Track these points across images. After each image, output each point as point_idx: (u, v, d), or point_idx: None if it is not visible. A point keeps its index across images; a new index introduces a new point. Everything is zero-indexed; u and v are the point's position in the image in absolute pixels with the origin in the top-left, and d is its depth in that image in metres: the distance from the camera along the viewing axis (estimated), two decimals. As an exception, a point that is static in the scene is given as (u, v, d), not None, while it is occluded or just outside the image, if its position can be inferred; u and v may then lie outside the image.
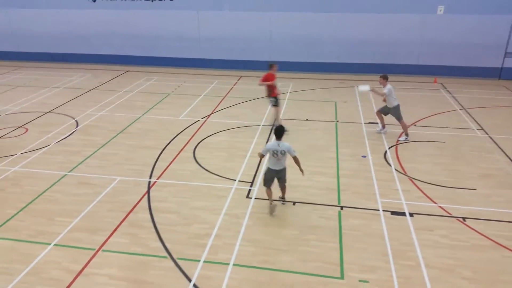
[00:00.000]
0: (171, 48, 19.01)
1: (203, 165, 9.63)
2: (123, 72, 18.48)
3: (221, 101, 14.32)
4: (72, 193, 8.49)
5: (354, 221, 7.48)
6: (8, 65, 19.58)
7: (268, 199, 7.68)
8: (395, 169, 9.40)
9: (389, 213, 7.72)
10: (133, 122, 12.37)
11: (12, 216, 7.70)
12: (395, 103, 10.86)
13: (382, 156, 10.08)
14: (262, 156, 7.50)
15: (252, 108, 13.61)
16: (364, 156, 10.03)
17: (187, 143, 10.87)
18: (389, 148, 10.52)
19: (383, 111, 11.24)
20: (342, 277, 6.14)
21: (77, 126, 12.04)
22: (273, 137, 7.59)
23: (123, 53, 19.52)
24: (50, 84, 16.33)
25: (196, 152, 10.34)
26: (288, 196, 8.18)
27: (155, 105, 13.93)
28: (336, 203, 8.07)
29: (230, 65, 18.69)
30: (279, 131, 7.31)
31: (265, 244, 6.85)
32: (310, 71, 18.17)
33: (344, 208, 7.90)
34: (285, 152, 7.27)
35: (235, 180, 8.92)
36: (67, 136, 11.32)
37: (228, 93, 15.30)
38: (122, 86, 16.17)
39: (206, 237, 7.08)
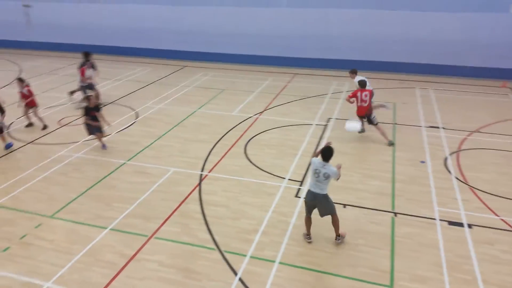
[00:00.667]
0: (227, 44, 19.27)
1: (253, 162, 9.68)
2: (181, 67, 19.02)
3: (275, 98, 14.31)
4: (129, 181, 8.87)
5: (407, 229, 7.18)
6: (75, 57, 20.83)
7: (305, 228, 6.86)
8: (456, 177, 8.89)
9: (446, 223, 7.33)
10: (189, 116, 12.70)
11: (73, 199, 8.20)
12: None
13: (442, 162, 9.57)
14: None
15: (305, 106, 13.48)
16: (423, 162, 9.58)
17: (239, 138, 10.97)
18: (450, 154, 9.97)
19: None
20: (391, 285, 5.92)
21: (137, 118, 12.56)
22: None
23: (182, 48, 20.08)
24: (112, 76, 17.17)
25: (247, 148, 10.42)
26: (339, 198, 8.01)
27: (210, 100, 14.21)
28: (390, 209, 7.78)
29: (285, 62, 18.62)
30: (327, 153, 6.34)
31: (312, 245, 6.76)
32: (369, 70, 17.63)
33: (398, 215, 7.60)
34: (328, 175, 6.30)
35: (284, 178, 8.88)
36: (127, 127, 11.85)
37: (281, 90, 15.26)
38: (179, 81, 16.65)
39: (253, 233, 7.11)
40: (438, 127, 11.53)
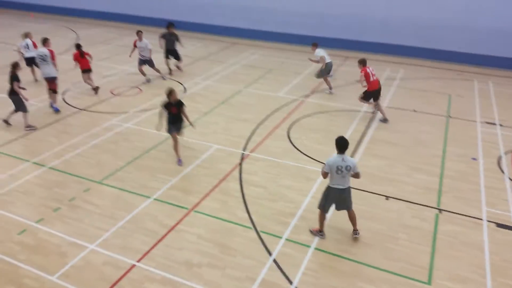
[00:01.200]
0: (278, 22, 18.99)
1: (296, 145, 9.61)
2: (231, 44, 19.02)
3: (323, 81, 14.02)
4: (174, 154, 9.09)
5: (452, 227, 6.90)
6: (125, 27, 21.36)
7: (319, 226, 6.58)
8: (509, 178, 8.40)
9: (494, 224, 6.97)
10: (235, 94, 12.75)
11: (121, 168, 8.54)
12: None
13: (495, 161, 9.06)
14: (326, 175, 6.18)
15: (354, 92, 13.09)
16: (474, 159, 9.11)
17: (283, 120, 10.90)
18: (505, 153, 9.40)
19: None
20: (429, 283, 5.75)
21: (184, 92, 12.78)
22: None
23: (233, 25, 20.04)
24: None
25: (290, 130, 10.34)
26: (382, 189, 7.82)
27: (257, 79, 14.16)
28: (435, 205, 7.50)
29: (338, 44, 18.10)
30: (343, 144, 6.07)
31: (349, 234, 6.67)
32: (426, 58, 16.82)
33: (442, 212, 7.31)
34: (350, 167, 6.07)
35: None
36: (174, 101, 12.07)
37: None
38: (228, 58, 16.69)
39: (290, 216, 7.11)
40: (494, 124, 10.87)
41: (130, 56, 14.03)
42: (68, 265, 5.98)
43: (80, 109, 11.32)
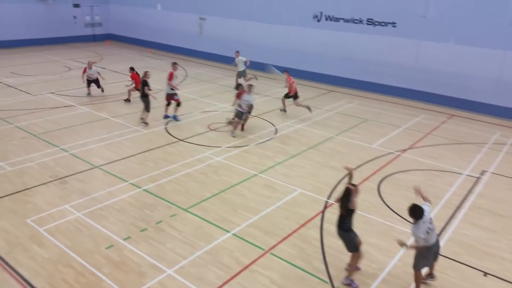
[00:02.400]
0: (379, 74, 18.69)
1: (386, 201, 9.07)
2: (328, 91, 19.10)
3: (423, 137, 13.26)
4: (257, 192, 9.16)
5: None
6: (235, 70, 22.68)
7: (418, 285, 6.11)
8: None
9: None
10: (325, 140, 12.61)
11: (206, 198, 8.81)
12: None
13: None
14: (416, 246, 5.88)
15: (457, 152, 12.15)
16: None
17: (374, 173, 10.43)
18: None
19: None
20: None
21: (275, 134, 12.99)
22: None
23: (331, 73, 20.19)
24: (263, 92, 18.13)
25: (381, 185, 9.82)
26: (480, 264, 6.94)
27: (350, 128, 13.89)
28: (545, 293, 6.42)
29: (442, 101, 17.16)
30: (420, 212, 5.83)
31: (437, 309, 5.94)
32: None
33: (555, 303, 6.21)
34: (432, 219, 5.97)
35: (418, 226, 8.07)
36: (265, 141, 12.33)
37: (433, 130, 14.06)
38: (323, 104, 16.72)
39: (372, 277, 6.60)
40: None
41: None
42: (145, 286, 6.19)
43: (179, 139, 12.08)
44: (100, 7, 29.80)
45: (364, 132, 13.51)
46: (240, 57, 18.07)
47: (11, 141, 11.33)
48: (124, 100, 15.47)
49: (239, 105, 12.54)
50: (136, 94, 14.23)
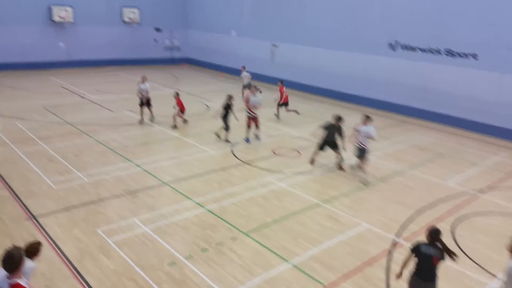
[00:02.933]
0: (457, 107, 17.64)
1: (460, 245, 8.35)
2: (399, 122, 18.38)
3: (504, 178, 12.17)
4: (320, 223, 8.90)
5: None
6: (304, 96, 22.69)
7: None
8: None
9: None
10: (396, 174, 12.03)
11: (267, 224, 8.72)
12: None
13: None
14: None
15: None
16: None
17: (448, 214, 9.70)
18: None
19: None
20: None
21: (342, 161, 12.65)
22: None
23: (404, 103, 19.45)
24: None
25: (456, 227, 9.09)
26: None
27: (423, 162, 13.15)
28: None
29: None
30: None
31: None
32: None
33: None
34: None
35: (495, 276, 7.31)
36: (331, 170, 12.04)
37: (515, 171, 12.90)
38: (394, 135, 16.07)
39: (442, 328, 6.03)
40: None
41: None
42: (201, 308, 6.18)
43: (244, 162, 12.21)
44: (179, 32, 31.65)
45: (438, 168, 12.71)
46: (245, 73, 20.49)
47: (91, 154, 12.18)
48: (172, 126, 15.23)
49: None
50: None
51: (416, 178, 11.79)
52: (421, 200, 10.31)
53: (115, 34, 28.50)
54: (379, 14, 19.95)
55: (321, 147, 11.89)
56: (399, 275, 5.83)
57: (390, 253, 7.92)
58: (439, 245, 5.49)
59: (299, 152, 13.43)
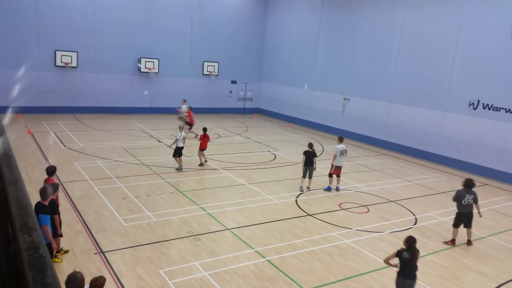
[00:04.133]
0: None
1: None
2: (481, 184, 17.00)
3: None
4: (388, 287, 8.25)
5: None
6: (375, 150, 22.08)
7: None
8: None
9: None
10: (474, 240, 10.96)
11: (330, 283, 8.27)
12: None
13: None
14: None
15: None
16: None
17: (539, 290, 8.52)
18: None
19: None
20: None
21: (415, 223, 11.86)
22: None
23: (487, 164, 18.06)
24: (403, 176, 17.08)
25: (549, 307, 7.93)
26: None
27: (507, 230, 11.87)
28: None
29: None
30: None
31: None
32: None
33: None
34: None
35: None
36: (402, 230, 11.30)
37: None
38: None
39: None
40: None
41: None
42: None
43: (308, 214, 11.93)
44: (253, 84, 32.98)
45: (525, 237, 11.39)
46: (184, 106, 23.06)
47: (161, 195, 12.70)
48: (199, 165, 16.23)
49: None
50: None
51: (498, 246, 10.65)
52: (504, 271, 9.21)
53: (193, 84, 30.41)
54: (457, 70, 19.26)
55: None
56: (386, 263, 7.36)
57: (467, 329, 7.05)
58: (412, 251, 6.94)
59: (368, 208, 12.85)
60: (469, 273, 9.10)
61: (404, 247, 7.06)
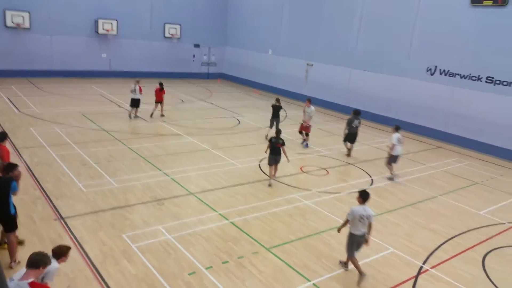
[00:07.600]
0: (498, 136, 16.97)
1: (490, 276, 7.93)
2: (435, 147, 17.86)
3: None
4: (344, 243, 8.68)
5: None
6: (336, 115, 22.52)
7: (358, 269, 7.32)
8: None
9: None
10: (427, 199, 11.64)
11: (290, 241, 8.61)
12: None
13: None
14: (346, 223, 7.53)
15: None
16: None
17: (480, 243, 9.26)
18: None
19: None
20: None
21: (371, 184, 12.40)
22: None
23: (442, 129, 18.92)
24: (362, 140, 17.59)
25: (487, 258, 8.65)
26: None
27: (457, 190, 12.66)
28: None
29: None
30: (367, 195, 7.48)
31: None
32: None
33: None
34: (370, 216, 7.32)
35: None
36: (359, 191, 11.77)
37: (557, 205, 12.18)
38: (428, 161, 15.62)
39: None
40: None
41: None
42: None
43: (271, 178, 12.17)
44: (217, 48, 32.33)
45: (472, 196, 12.21)
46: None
47: (122, 161, 12.51)
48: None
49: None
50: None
51: (448, 205, 11.36)
52: (451, 228, 9.90)
53: (155, 48, 29.44)
54: (418, 38, 19.69)
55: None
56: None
57: (415, 279, 7.61)
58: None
59: (327, 171, 13.26)
60: (421, 230, 9.71)
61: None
